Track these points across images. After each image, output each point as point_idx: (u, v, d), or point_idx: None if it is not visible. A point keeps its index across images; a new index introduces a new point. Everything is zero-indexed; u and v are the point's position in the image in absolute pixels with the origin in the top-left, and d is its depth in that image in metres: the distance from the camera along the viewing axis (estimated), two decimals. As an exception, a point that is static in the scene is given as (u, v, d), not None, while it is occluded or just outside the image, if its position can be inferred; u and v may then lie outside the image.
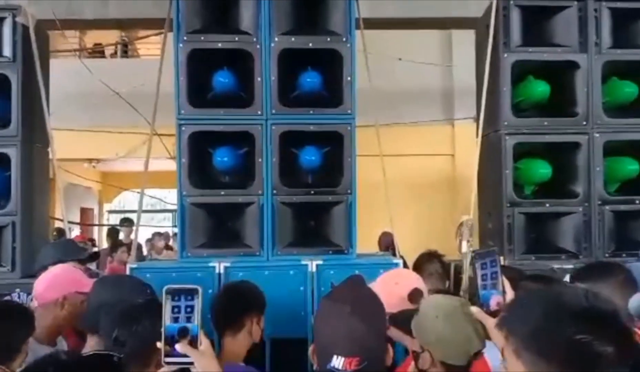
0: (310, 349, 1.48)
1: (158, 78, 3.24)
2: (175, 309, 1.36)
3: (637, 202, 3.31)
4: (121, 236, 6.97)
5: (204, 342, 1.37)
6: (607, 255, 3.20)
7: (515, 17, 3.33)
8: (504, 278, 1.40)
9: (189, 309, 1.36)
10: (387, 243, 5.24)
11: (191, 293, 1.37)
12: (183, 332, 1.35)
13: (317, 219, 3.07)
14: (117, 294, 1.95)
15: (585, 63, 3.31)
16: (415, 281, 2.19)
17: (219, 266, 2.76)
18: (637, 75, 3.37)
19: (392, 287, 2.05)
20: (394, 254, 3.42)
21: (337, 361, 1.33)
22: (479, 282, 1.44)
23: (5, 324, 1.62)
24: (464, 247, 3.07)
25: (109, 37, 9.15)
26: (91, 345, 1.95)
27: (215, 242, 2.92)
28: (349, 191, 2.96)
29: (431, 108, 7.66)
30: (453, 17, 4.69)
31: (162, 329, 1.35)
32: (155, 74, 3.26)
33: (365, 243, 5.22)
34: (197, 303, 1.37)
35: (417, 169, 7.53)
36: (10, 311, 1.67)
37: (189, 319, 1.36)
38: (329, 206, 3.00)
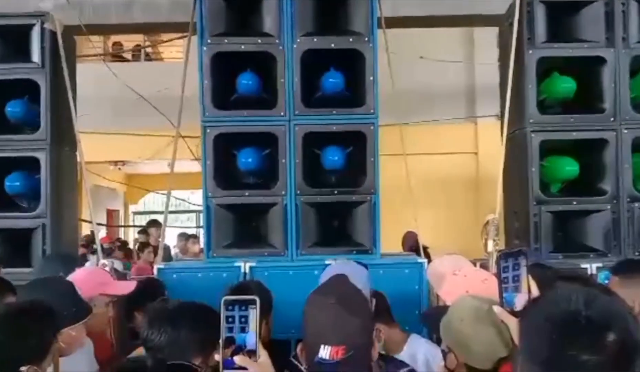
0: (299, 347, 1.49)
1: (183, 81, 3.28)
2: (230, 319, 1.35)
3: (668, 199, 3.23)
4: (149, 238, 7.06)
5: (263, 354, 1.36)
6: (637, 253, 3.13)
7: (540, 13, 3.28)
8: (530, 279, 1.37)
9: (243, 320, 1.35)
10: (411, 243, 5.20)
11: (246, 303, 1.36)
12: (230, 342, 1.34)
13: (341, 219, 3.08)
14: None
15: (612, 58, 3.24)
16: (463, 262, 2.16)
17: (245, 266, 2.78)
18: (666, 70, 3.30)
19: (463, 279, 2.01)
20: (418, 254, 3.41)
21: (324, 351, 1.36)
22: (501, 284, 1.42)
23: (31, 324, 1.65)
24: (490, 246, 3.04)
25: (131, 41, 9.29)
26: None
27: (241, 242, 2.95)
28: (372, 191, 2.96)
29: (453, 106, 7.58)
30: (476, 14, 4.63)
31: (220, 340, 1.35)
32: (179, 77, 3.30)
33: (389, 243, 5.22)
34: (253, 313, 1.35)
35: (440, 167, 7.46)
36: (35, 311, 1.69)
37: (242, 330, 1.35)
38: (352, 205, 3.00)
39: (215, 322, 1.38)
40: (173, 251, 7.33)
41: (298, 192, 2.93)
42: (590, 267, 2.92)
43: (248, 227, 3.01)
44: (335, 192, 2.99)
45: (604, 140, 3.21)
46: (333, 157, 2.99)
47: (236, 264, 2.79)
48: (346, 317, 1.39)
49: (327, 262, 2.78)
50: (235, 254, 2.88)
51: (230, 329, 1.35)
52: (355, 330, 1.39)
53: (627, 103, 3.24)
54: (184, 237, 7.13)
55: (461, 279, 1.93)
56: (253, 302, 1.36)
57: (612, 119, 3.23)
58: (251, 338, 1.35)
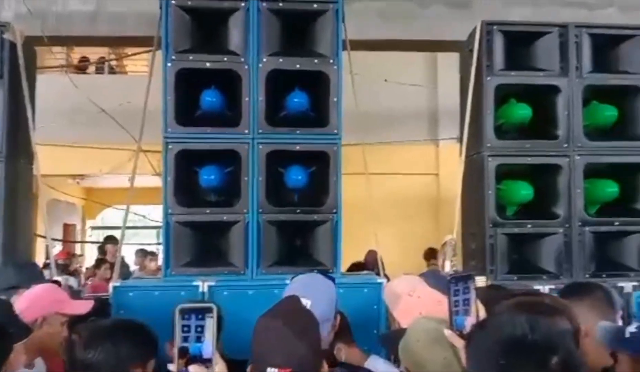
0: (248, 369, 1.49)
1: (146, 95, 3.25)
2: (185, 328, 1.32)
3: (617, 223, 3.37)
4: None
5: (219, 363, 1.35)
6: (587, 276, 3.25)
7: (499, 41, 3.40)
8: (478, 303, 1.41)
9: (199, 329, 1.33)
10: (372, 262, 5.25)
11: (203, 312, 1.33)
12: (184, 352, 1.32)
13: (302, 238, 3.09)
14: None
15: (566, 87, 3.39)
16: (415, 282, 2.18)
17: (203, 285, 2.75)
18: (616, 99, 3.46)
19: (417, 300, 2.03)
20: (378, 273, 3.44)
21: None
22: (452, 307, 1.46)
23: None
24: (447, 266, 3.10)
25: (95, 53, 9.14)
26: None
27: (200, 260, 2.92)
28: (334, 210, 2.99)
29: (416, 128, 7.74)
30: (439, 40, 4.77)
31: (175, 350, 1.33)
32: (142, 91, 3.27)
33: (350, 262, 5.25)
34: (210, 322, 1.33)
35: (402, 188, 7.58)
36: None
37: (198, 339, 1.32)
38: (314, 224, 3.02)
39: (152, 336, 1.42)
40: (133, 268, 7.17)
41: (260, 210, 2.92)
42: (543, 289, 3.00)
43: (208, 245, 2.99)
44: (298, 211, 3.00)
45: (557, 165, 3.34)
46: (296, 176, 3.01)
47: (194, 283, 2.75)
48: (292, 340, 1.40)
49: (286, 281, 2.78)
50: (194, 272, 2.85)
51: (186, 339, 1.33)
52: (302, 352, 1.40)
53: (580, 130, 3.38)
54: (142, 253, 7.00)
55: (415, 301, 1.96)
56: (210, 310, 1.34)
57: (565, 145, 3.36)
58: (207, 347, 1.33)
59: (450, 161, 5.92)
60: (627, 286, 3.15)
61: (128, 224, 3.62)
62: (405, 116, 7.70)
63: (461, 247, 3.69)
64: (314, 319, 1.54)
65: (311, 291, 2.01)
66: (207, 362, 1.33)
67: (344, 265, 4.46)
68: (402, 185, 7.62)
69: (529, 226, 3.34)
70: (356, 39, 4.41)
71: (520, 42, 3.49)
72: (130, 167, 3.35)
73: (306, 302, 1.97)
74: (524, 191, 3.33)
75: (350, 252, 5.20)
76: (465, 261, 3.62)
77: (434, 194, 7.80)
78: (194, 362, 1.33)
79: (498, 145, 3.35)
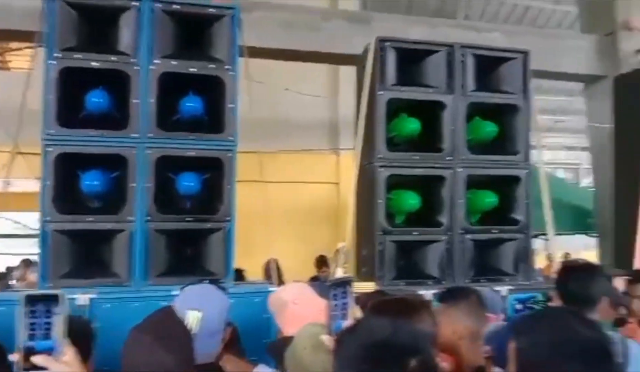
0: None
1: (24, 94, 3.03)
2: (32, 325, 1.22)
3: (495, 231, 3.63)
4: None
5: (69, 353, 1.24)
6: (467, 281, 3.45)
7: (391, 57, 3.54)
8: (356, 307, 1.45)
9: (46, 325, 1.23)
10: (271, 270, 5.24)
11: (50, 303, 1.23)
12: (29, 351, 1.21)
13: (194, 247, 3.01)
14: None
15: (451, 103, 3.59)
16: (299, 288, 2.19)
17: (84, 298, 2.58)
18: (497, 116, 3.73)
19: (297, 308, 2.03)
20: (272, 282, 3.44)
21: None
22: (331, 312, 1.48)
23: None
24: (339, 273, 3.16)
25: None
26: None
27: (81, 271, 2.74)
28: (227, 218, 2.95)
29: (318, 138, 7.88)
30: (338, 53, 4.89)
31: (17, 348, 1.22)
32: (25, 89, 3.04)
33: (249, 270, 5.21)
34: (58, 319, 1.23)
35: (304, 196, 7.67)
36: None
37: (46, 336, 1.22)
38: (207, 233, 2.96)
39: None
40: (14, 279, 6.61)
41: (148, 218, 2.81)
42: (427, 294, 3.15)
43: (90, 255, 2.81)
44: (189, 219, 2.92)
45: (442, 177, 3.53)
46: (188, 182, 2.94)
47: (73, 295, 2.57)
48: (162, 355, 1.38)
49: (174, 292, 2.70)
50: (73, 284, 2.67)
51: (32, 337, 1.22)
52: (171, 366, 1.38)
53: (463, 144, 3.60)
54: (25, 264, 6.47)
55: (300, 309, 1.97)
56: (56, 299, 1.24)
57: (449, 158, 3.56)
58: (55, 342, 1.24)
59: (350, 171, 6.06)
60: (503, 289, 3.38)
61: (6, 232, 3.33)
62: (308, 126, 7.82)
63: (355, 254, 3.79)
64: (186, 331, 1.51)
65: (203, 303, 1.97)
66: (55, 352, 1.23)
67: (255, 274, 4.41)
68: (304, 193, 7.71)
69: (416, 233, 3.50)
70: (257, 47, 4.42)
71: (411, 60, 3.66)
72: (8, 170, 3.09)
73: (197, 315, 1.93)
74: (411, 201, 3.49)
75: (249, 261, 5.17)
76: (358, 267, 3.72)
77: (335, 202, 7.96)
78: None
79: (389, 157, 3.48)
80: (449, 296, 2.23)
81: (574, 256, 7.64)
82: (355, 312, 1.44)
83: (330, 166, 8.09)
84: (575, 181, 11.89)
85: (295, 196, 7.31)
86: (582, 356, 1.14)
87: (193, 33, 3.10)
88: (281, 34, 4.81)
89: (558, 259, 5.78)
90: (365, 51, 3.65)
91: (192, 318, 1.89)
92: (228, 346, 2.11)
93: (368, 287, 3.16)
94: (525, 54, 3.78)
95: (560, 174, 12.61)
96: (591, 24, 6.20)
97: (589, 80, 6.14)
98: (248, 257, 4.88)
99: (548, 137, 12.03)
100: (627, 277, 3.68)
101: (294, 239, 6.92)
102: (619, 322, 2.76)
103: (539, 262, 6.22)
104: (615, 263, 4.69)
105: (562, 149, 12.39)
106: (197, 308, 1.85)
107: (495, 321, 2.26)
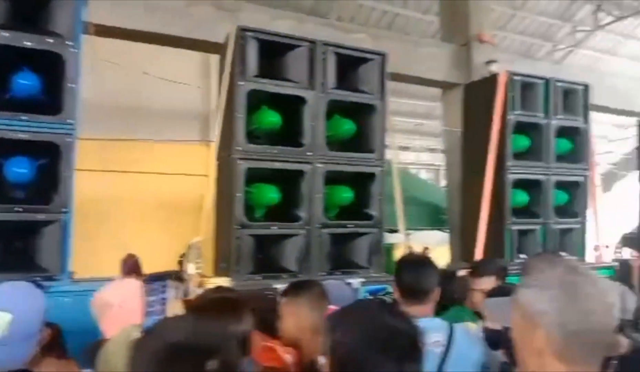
0: None
1: None
2: None
3: (350, 226, 3.74)
4: None
5: None
6: (323, 273, 3.52)
7: (252, 48, 3.48)
8: (178, 303, 1.38)
9: None
10: (130, 266, 4.96)
11: None
12: None
13: (24, 241, 2.72)
14: None
15: (312, 99, 3.63)
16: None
17: None
18: (355, 115, 3.84)
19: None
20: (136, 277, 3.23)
21: None
22: (147, 308, 1.40)
23: None
24: (190, 268, 3.05)
25: None
26: None
27: None
28: (64, 210, 2.71)
29: (188, 128, 7.60)
30: (202, 39, 4.73)
31: None
32: None
33: (106, 266, 4.87)
34: None
35: (172, 188, 7.36)
36: None
37: None
38: (40, 225, 2.69)
39: None
40: None
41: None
42: (282, 287, 3.15)
43: None
44: (18, 209, 2.64)
45: (301, 171, 3.55)
46: (20, 169, 2.67)
47: None
48: None
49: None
50: None
51: None
52: None
53: (323, 140, 3.65)
54: None
55: (125, 312, 1.85)
56: None
57: (309, 153, 3.60)
58: None
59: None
60: (355, 282, 3.49)
61: None
62: (177, 115, 7.52)
63: (213, 249, 3.69)
64: None
65: (12, 304, 1.76)
66: None
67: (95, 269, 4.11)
68: (172, 185, 7.40)
69: (275, 227, 3.49)
70: (115, 26, 4.13)
71: (274, 52, 3.63)
72: None
73: (7, 317, 1.72)
74: (270, 194, 3.47)
75: (108, 255, 4.83)
76: (216, 262, 3.63)
77: (204, 194, 7.75)
78: None
79: (248, 149, 3.42)
80: (291, 290, 2.23)
81: (433, 250, 8.18)
82: (175, 308, 1.37)
83: (200, 158, 7.84)
84: (435, 181, 12.75)
85: (164, 188, 6.98)
86: (390, 344, 1.17)
87: (30, 5, 2.81)
88: (143, 16, 4.53)
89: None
90: (227, 39, 3.56)
91: (0, 321, 1.69)
92: (48, 348, 1.92)
93: (223, 282, 3.09)
94: (383, 55, 3.92)
95: (423, 174, 13.49)
96: (450, 34, 6.64)
97: (445, 86, 6.58)
98: (116, 250, 4.58)
99: (412, 139, 12.79)
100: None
101: (162, 232, 6.62)
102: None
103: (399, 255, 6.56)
104: (462, 256, 5.06)
105: (425, 151, 13.23)
106: (5, 309, 1.65)
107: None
